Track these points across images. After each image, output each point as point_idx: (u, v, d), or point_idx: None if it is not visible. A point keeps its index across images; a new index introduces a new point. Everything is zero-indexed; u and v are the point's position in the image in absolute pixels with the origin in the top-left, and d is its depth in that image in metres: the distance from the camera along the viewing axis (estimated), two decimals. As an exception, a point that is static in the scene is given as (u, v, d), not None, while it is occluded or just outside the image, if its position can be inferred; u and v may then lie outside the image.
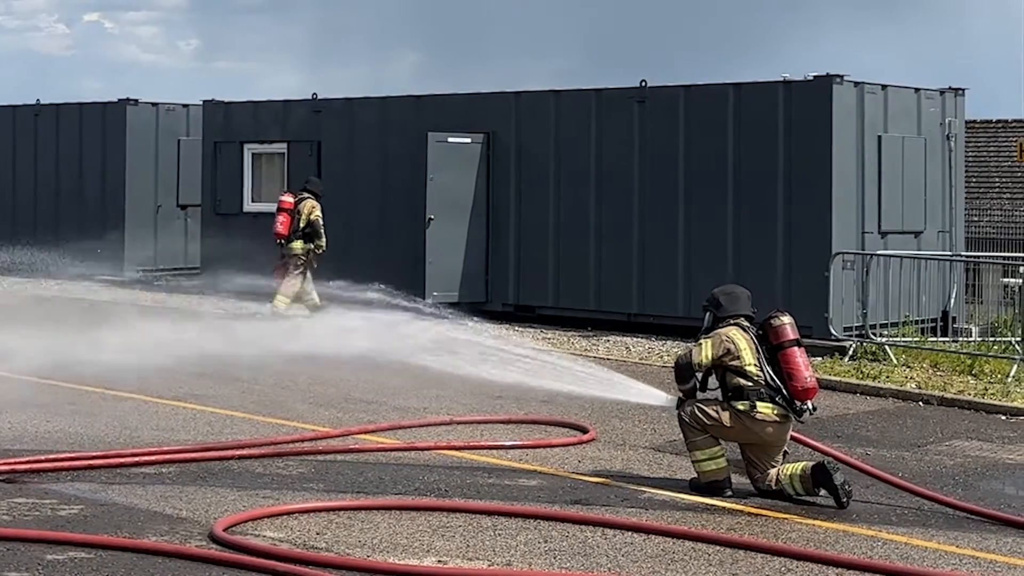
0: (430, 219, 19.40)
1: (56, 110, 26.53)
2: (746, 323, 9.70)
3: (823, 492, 9.40)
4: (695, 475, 9.71)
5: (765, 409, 9.48)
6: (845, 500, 9.29)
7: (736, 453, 9.85)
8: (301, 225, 19.17)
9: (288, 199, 19.54)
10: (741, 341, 9.57)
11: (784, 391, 9.50)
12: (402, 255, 20.49)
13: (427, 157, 19.46)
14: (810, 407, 9.58)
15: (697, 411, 9.65)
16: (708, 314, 9.88)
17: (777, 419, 9.52)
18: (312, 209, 19.24)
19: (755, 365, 9.53)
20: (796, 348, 9.57)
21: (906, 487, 9.73)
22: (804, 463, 9.57)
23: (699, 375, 9.71)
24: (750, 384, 9.50)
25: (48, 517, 8.53)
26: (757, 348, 9.58)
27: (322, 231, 19.24)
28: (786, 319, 9.65)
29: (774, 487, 9.57)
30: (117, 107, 25.38)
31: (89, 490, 9.27)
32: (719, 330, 9.65)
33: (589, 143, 19.26)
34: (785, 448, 9.73)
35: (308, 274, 19.34)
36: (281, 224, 19.27)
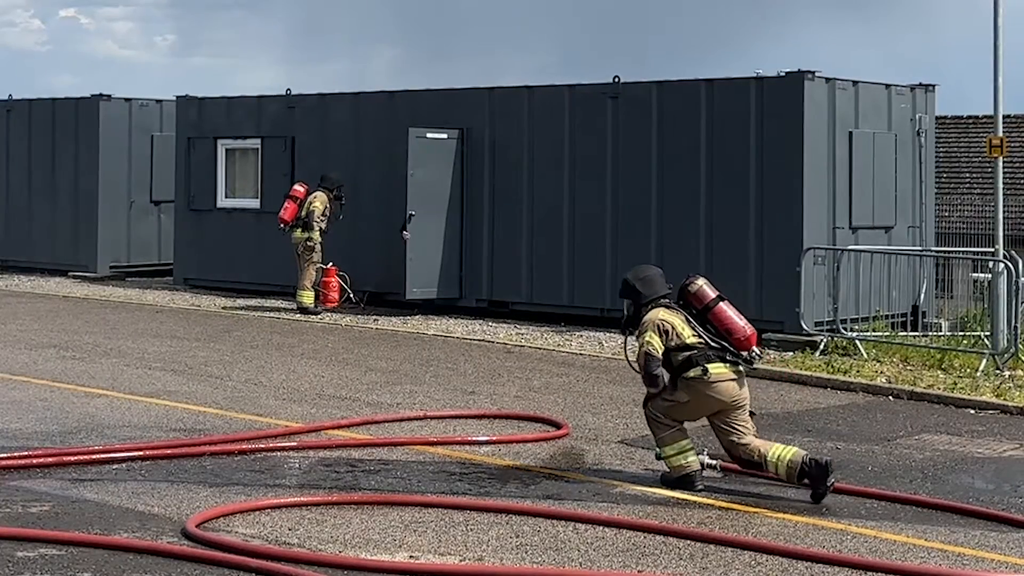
0: (411, 215, 19.42)
1: (28, 106, 26.38)
2: (667, 301, 9.78)
3: (804, 481, 9.43)
4: (667, 470, 9.76)
5: (717, 369, 9.55)
6: (823, 495, 9.35)
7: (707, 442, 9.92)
8: (303, 215, 19.77)
9: (300, 188, 20.12)
10: (673, 318, 9.66)
11: (729, 346, 9.61)
12: (375, 251, 20.49)
13: (407, 153, 19.48)
14: (756, 352, 9.70)
15: (658, 402, 9.71)
16: (627, 302, 9.91)
17: (732, 375, 9.59)
18: (312, 201, 19.79)
19: (693, 334, 9.62)
20: (722, 304, 9.74)
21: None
22: (797, 449, 9.60)
23: (661, 369, 9.70)
24: (695, 352, 9.57)
25: (18, 514, 8.51)
26: (687, 318, 9.69)
27: (314, 224, 19.73)
28: (700, 281, 9.83)
29: (755, 459, 9.58)
30: (90, 103, 25.26)
31: (60, 487, 9.26)
32: (648, 318, 9.67)
33: (562, 139, 19.29)
34: (751, 409, 9.76)
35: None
36: (285, 210, 20.02)
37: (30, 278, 24.91)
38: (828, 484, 9.34)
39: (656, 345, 9.55)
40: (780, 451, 9.55)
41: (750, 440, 9.64)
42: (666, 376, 9.75)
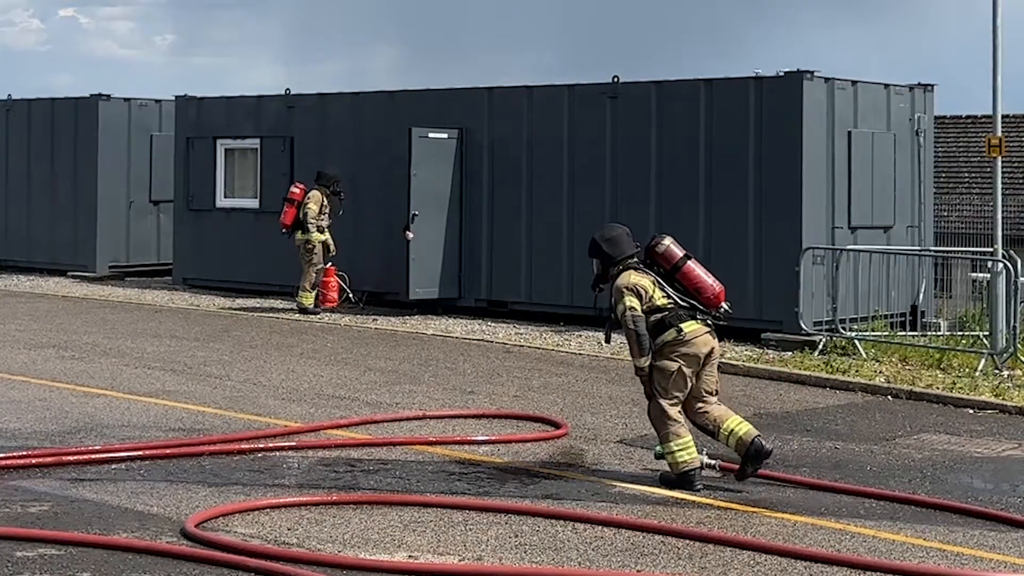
0: (414, 215, 19.43)
1: (28, 105, 26.38)
2: (635, 261, 9.86)
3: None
4: (666, 469, 9.77)
5: (690, 327, 9.67)
6: (747, 476, 9.67)
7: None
8: (301, 217, 19.79)
9: (296, 191, 20.10)
10: (643, 280, 9.75)
11: (698, 304, 9.75)
12: (374, 251, 20.49)
13: (411, 152, 19.49)
14: (725, 308, 9.83)
15: (657, 390, 9.71)
16: (596, 261, 10.01)
17: (706, 329, 9.74)
18: (307, 203, 19.83)
19: (663, 296, 9.73)
20: (690, 262, 9.82)
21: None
22: (750, 428, 9.71)
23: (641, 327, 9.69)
24: (666, 313, 9.68)
25: (18, 514, 8.52)
26: (656, 279, 9.78)
27: (309, 225, 19.76)
28: (667, 241, 9.90)
29: (711, 428, 9.76)
30: (89, 102, 25.26)
31: (59, 487, 9.26)
32: (619, 283, 9.76)
33: (562, 139, 19.30)
34: (718, 384, 9.89)
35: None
36: (284, 214, 20.09)
37: (29, 278, 24.92)
38: (755, 468, 9.63)
39: (637, 307, 9.65)
40: (735, 425, 9.69)
41: (711, 409, 9.79)
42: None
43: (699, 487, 9.60)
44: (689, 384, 9.74)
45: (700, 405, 9.80)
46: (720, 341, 10.07)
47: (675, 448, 9.66)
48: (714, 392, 9.86)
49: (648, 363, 9.69)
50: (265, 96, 22.83)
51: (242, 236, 22.48)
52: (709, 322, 9.78)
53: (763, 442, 9.64)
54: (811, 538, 8.54)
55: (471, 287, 19.98)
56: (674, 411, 9.70)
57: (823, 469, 10.52)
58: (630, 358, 10.04)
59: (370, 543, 8.12)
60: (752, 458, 9.59)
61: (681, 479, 9.64)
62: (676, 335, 9.63)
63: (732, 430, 9.66)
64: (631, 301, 9.64)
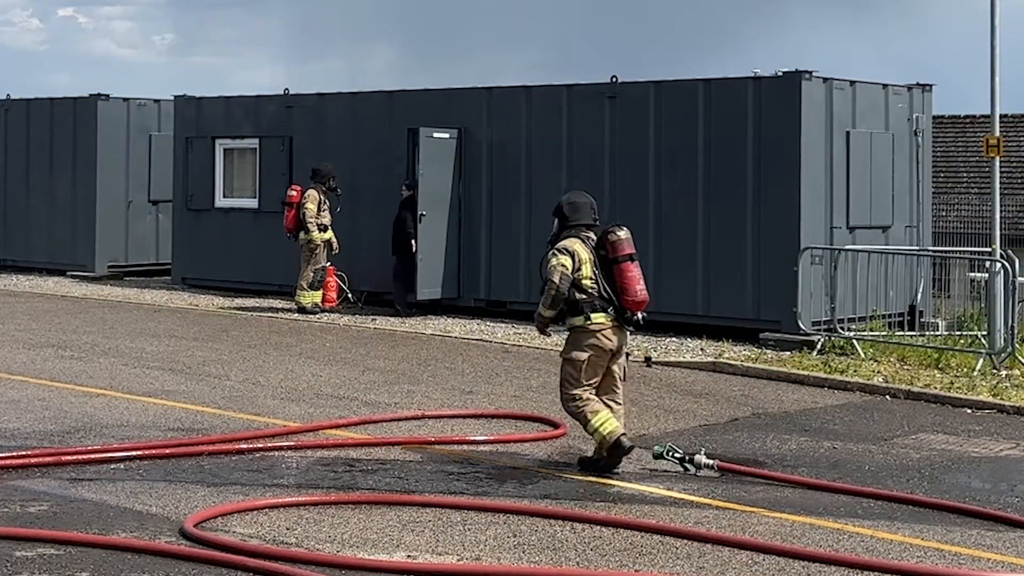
0: (422, 215, 19.45)
1: (27, 105, 26.39)
2: (587, 233, 10.10)
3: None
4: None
5: (599, 318, 9.96)
6: (586, 466, 10.03)
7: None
8: (301, 218, 19.85)
9: (294, 192, 20.14)
10: (583, 253, 10.01)
11: (616, 303, 9.97)
12: (373, 251, 20.49)
13: (418, 152, 19.51)
14: (640, 317, 10.07)
15: (569, 381, 10.05)
16: (556, 220, 10.30)
17: (613, 324, 9.99)
18: (304, 203, 19.86)
19: (591, 279, 9.98)
20: (630, 263, 10.03)
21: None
22: (618, 427, 9.94)
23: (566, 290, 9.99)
24: (585, 296, 9.98)
25: (17, 514, 8.52)
26: (595, 261, 10.01)
27: (308, 225, 19.75)
28: (623, 233, 10.07)
29: (581, 419, 10.07)
30: (88, 102, 25.27)
31: (58, 486, 9.27)
32: (564, 244, 10.03)
33: (560, 139, 19.31)
34: (622, 380, 10.20)
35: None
36: (285, 218, 20.14)
37: (28, 277, 24.93)
38: (602, 465, 9.93)
39: (567, 266, 9.93)
40: (604, 421, 9.89)
41: (589, 399, 10.03)
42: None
43: (629, 446, 9.87)
44: (599, 374, 10.08)
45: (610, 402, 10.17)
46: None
47: (596, 425, 9.95)
48: (618, 388, 10.19)
49: (552, 316, 10.09)
50: (264, 96, 22.84)
51: (241, 236, 22.49)
52: (619, 321, 10.03)
53: (626, 443, 9.89)
54: (809, 538, 8.55)
55: (470, 287, 19.99)
56: (585, 394, 10.05)
57: (821, 469, 10.54)
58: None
59: (369, 543, 8.13)
60: (612, 455, 9.91)
61: (612, 450, 9.88)
62: (583, 322, 9.97)
63: (601, 425, 9.92)
64: (565, 260, 9.95)
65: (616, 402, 10.20)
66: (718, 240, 17.80)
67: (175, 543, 7.94)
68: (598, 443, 9.99)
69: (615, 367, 10.16)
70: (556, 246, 10.09)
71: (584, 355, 9.99)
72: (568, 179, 19.13)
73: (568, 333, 10.15)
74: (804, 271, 16.78)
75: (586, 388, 10.04)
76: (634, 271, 9.99)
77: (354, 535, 8.29)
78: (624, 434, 9.95)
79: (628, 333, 10.16)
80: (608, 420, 9.93)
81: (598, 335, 9.95)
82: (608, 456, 9.95)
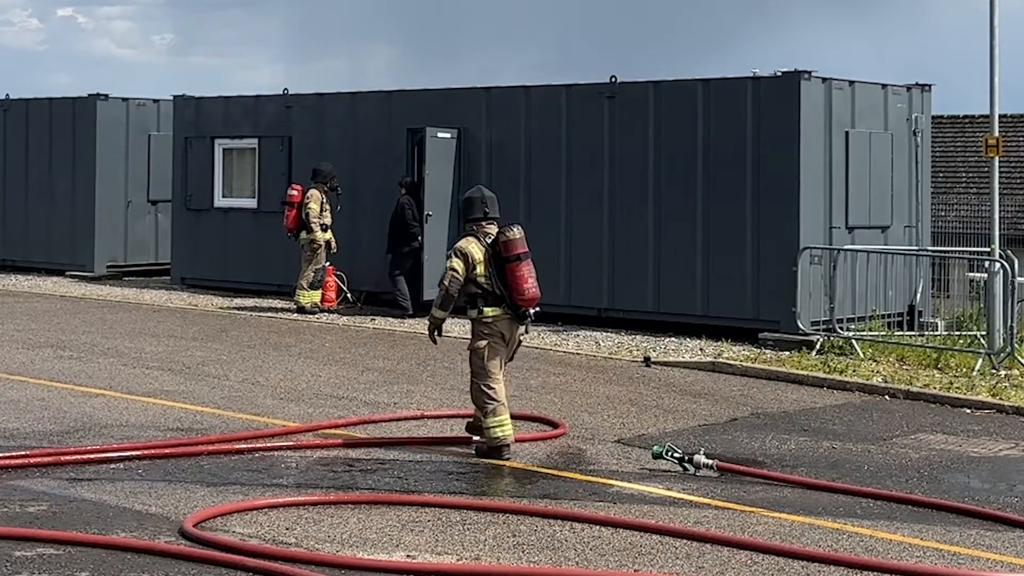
0: (428, 215, 19.46)
1: (26, 105, 26.38)
2: (488, 228, 10.68)
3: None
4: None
5: (491, 311, 10.64)
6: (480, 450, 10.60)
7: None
8: (304, 218, 19.89)
9: (295, 192, 20.18)
10: (477, 253, 10.64)
11: (507, 299, 10.60)
12: (373, 251, 20.49)
13: (425, 152, 19.52)
14: (531, 313, 10.70)
15: (476, 371, 10.63)
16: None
17: (505, 316, 10.64)
18: (307, 202, 19.91)
19: (485, 276, 10.62)
20: (520, 262, 10.60)
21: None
22: (510, 434, 10.57)
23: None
24: (479, 292, 10.64)
25: (16, 514, 8.53)
26: (488, 260, 10.62)
27: (312, 224, 19.81)
28: (516, 233, 10.63)
29: (478, 413, 10.70)
30: (87, 102, 25.26)
31: (57, 486, 9.28)
32: (458, 246, 10.72)
33: (559, 138, 19.30)
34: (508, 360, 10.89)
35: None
36: (286, 218, 20.16)
37: (27, 277, 24.92)
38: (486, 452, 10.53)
39: (460, 272, 10.59)
40: (502, 424, 10.50)
41: (499, 403, 10.58)
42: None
43: (507, 457, 10.42)
44: (503, 365, 10.71)
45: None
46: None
47: (492, 424, 10.51)
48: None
49: (445, 316, 10.73)
50: (263, 96, 22.83)
51: (240, 236, 22.48)
52: (511, 315, 10.63)
53: (506, 444, 10.48)
54: (808, 538, 8.55)
55: (469, 287, 19.96)
56: (494, 390, 10.58)
57: (820, 469, 10.54)
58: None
59: (368, 543, 8.13)
60: (490, 453, 10.48)
61: (492, 451, 10.48)
62: (478, 314, 10.64)
63: (496, 425, 10.47)
64: (458, 264, 10.60)
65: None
66: (717, 240, 17.79)
67: (174, 543, 7.95)
68: (488, 439, 10.52)
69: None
70: (453, 247, 10.80)
71: (483, 343, 10.65)
72: (567, 179, 19.15)
73: (471, 325, 10.74)
74: (803, 271, 16.78)
75: (497, 380, 10.62)
76: (524, 270, 10.57)
77: (353, 535, 8.29)
78: (508, 445, 10.50)
79: (522, 328, 10.76)
80: (506, 425, 10.53)
81: (491, 325, 10.62)
82: (489, 452, 10.52)
